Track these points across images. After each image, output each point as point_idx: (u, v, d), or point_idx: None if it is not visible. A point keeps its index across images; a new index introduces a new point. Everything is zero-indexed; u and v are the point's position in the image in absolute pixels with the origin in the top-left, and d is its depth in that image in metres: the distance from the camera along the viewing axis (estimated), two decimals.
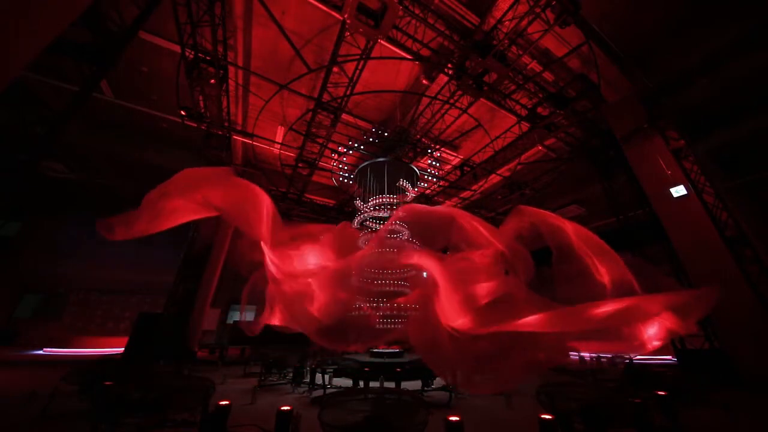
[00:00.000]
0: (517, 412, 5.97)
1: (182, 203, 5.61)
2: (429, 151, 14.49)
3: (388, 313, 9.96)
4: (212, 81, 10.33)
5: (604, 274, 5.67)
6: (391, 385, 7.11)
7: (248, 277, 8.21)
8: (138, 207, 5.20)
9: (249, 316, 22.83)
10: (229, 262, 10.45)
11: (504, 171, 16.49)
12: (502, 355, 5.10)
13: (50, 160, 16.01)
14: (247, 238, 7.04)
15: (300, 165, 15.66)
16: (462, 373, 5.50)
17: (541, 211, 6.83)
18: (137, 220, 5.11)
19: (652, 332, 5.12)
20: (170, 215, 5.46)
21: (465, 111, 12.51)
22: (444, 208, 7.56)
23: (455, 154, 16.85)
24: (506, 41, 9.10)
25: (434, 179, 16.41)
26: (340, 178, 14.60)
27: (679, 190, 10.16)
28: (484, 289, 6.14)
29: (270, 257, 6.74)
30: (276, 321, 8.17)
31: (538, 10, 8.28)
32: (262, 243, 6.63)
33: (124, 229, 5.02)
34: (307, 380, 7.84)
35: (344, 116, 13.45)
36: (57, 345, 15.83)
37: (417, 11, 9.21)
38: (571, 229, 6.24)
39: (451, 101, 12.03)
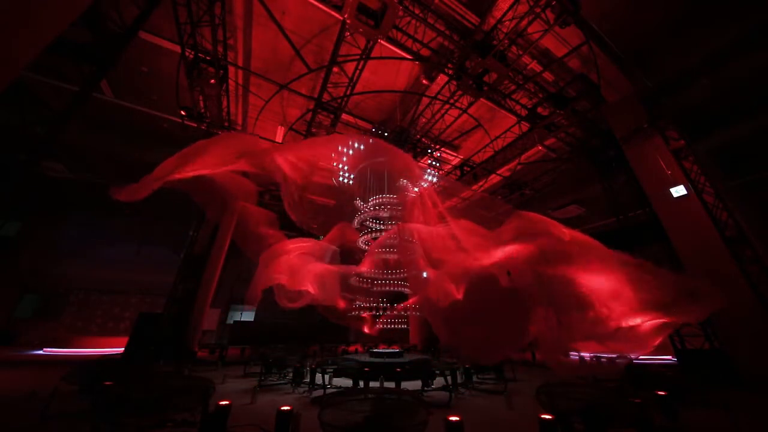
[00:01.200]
0: (517, 412, 5.97)
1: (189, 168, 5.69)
2: (429, 151, 14.49)
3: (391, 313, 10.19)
4: (212, 81, 10.32)
5: (603, 280, 5.68)
6: (391, 385, 7.11)
7: (252, 267, 8.50)
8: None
9: (248, 316, 22.87)
10: (236, 243, 10.72)
11: (504, 171, 16.49)
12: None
13: (50, 160, 16.00)
14: (252, 219, 7.84)
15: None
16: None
17: (539, 216, 6.86)
18: (144, 187, 5.12)
19: (649, 329, 5.14)
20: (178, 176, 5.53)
21: (465, 111, 12.51)
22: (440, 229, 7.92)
23: (455, 154, 16.85)
24: (506, 41, 9.11)
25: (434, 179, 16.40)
26: (340, 178, 14.58)
27: (679, 190, 10.15)
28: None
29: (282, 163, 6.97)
30: (280, 280, 8.66)
31: (538, 10, 8.28)
32: (274, 154, 6.81)
33: (133, 192, 5.01)
34: (307, 380, 7.84)
35: (344, 116, 13.45)
36: (57, 345, 15.82)
37: (417, 11, 9.21)
38: (568, 235, 6.26)
39: (451, 101, 12.03)
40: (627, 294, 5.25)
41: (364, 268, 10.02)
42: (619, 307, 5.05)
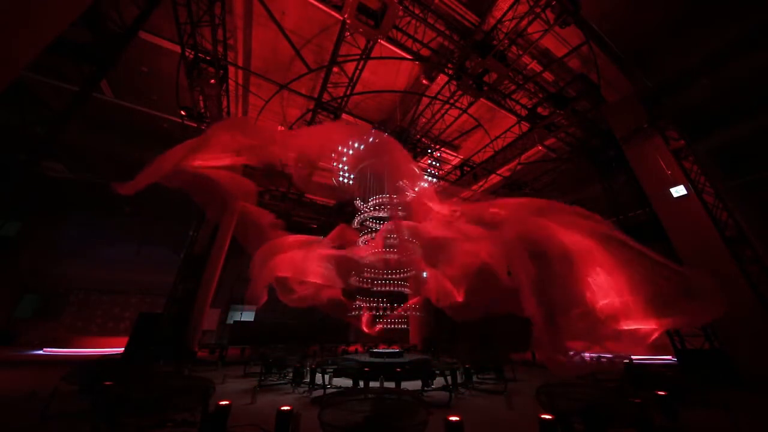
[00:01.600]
0: (517, 412, 5.97)
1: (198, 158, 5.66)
2: (429, 151, 14.49)
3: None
4: (212, 81, 10.32)
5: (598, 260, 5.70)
6: (391, 385, 7.11)
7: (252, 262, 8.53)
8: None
9: (248, 316, 22.88)
10: (238, 241, 10.83)
11: (504, 171, 16.48)
12: None
13: (50, 160, 16.01)
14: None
15: (300, 165, 15.66)
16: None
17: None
18: (145, 179, 5.07)
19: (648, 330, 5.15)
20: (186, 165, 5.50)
21: (465, 111, 12.51)
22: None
23: (455, 154, 16.85)
24: (506, 41, 9.10)
25: (434, 179, 16.42)
26: (340, 178, 14.59)
27: (679, 190, 10.15)
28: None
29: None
30: (281, 272, 8.76)
31: (538, 10, 8.28)
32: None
33: (134, 185, 4.98)
34: (307, 380, 7.84)
35: (344, 116, 13.45)
36: (57, 345, 15.81)
37: (417, 11, 9.21)
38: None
39: (451, 101, 12.03)
40: (622, 281, 5.26)
41: (366, 253, 10.03)
42: (615, 300, 5.07)
